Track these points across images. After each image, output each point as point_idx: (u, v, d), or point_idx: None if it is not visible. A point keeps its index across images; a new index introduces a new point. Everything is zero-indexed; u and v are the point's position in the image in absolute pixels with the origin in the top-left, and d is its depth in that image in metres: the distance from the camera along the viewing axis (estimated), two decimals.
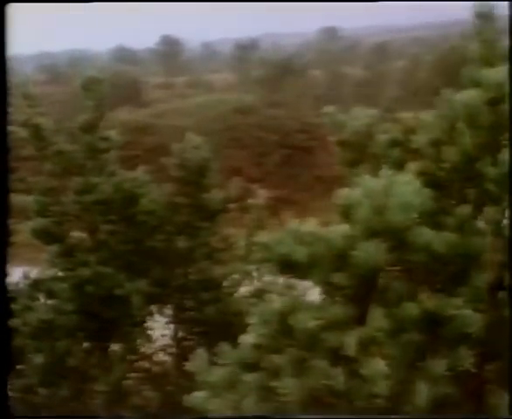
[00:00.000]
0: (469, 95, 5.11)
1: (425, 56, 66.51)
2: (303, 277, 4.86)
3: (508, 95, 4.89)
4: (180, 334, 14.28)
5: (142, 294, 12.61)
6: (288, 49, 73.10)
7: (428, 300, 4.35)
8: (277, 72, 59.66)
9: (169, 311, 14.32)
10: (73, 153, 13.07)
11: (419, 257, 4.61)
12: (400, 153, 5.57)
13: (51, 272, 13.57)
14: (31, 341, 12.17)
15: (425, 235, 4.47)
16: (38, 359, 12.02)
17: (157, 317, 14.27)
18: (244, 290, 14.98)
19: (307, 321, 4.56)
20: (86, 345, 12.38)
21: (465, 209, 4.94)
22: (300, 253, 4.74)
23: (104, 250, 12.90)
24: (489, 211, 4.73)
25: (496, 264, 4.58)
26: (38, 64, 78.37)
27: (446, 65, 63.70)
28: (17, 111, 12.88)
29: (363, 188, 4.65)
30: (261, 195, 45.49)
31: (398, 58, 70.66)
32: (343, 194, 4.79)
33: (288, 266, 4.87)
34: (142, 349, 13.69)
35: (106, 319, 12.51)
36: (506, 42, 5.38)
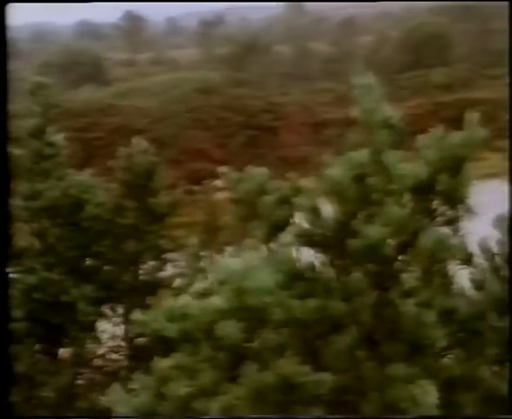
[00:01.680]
0: (336, 172, 5.37)
1: (391, 31, 66.74)
2: (176, 350, 5.12)
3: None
4: (131, 335, 14.48)
5: (89, 299, 12.77)
6: (254, 24, 72.92)
7: (286, 367, 4.60)
8: (242, 49, 59.55)
9: (119, 312, 14.51)
10: (21, 158, 13.13)
11: (279, 329, 4.87)
12: (286, 212, 5.79)
13: None
14: None
15: (279, 313, 4.73)
16: None
17: (108, 318, 14.46)
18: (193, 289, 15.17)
19: (179, 389, 4.85)
20: (34, 350, 12.51)
21: (330, 273, 5.22)
22: (171, 329, 5.04)
23: (51, 256, 13.02)
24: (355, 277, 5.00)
25: (358, 323, 4.84)
26: None
27: (413, 41, 64.08)
28: None
29: (223, 270, 4.89)
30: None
31: (365, 33, 70.74)
32: (219, 266, 5.05)
33: (162, 341, 5.15)
34: (92, 352, 13.87)
35: (53, 324, 12.67)
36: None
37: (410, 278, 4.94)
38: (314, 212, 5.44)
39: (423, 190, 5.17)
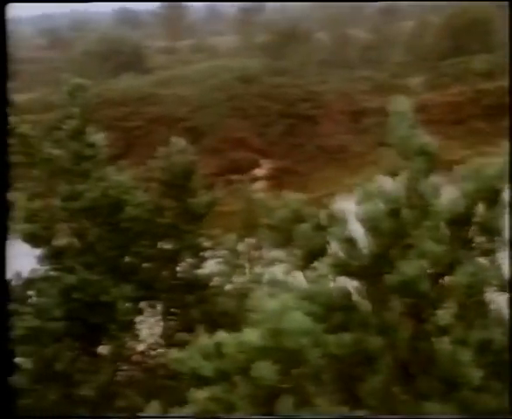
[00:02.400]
0: (371, 207, 5.32)
1: (432, 18, 65.78)
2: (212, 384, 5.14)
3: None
4: (169, 332, 14.59)
5: (128, 299, 12.90)
6: (294, 11, 72.48)
7: (322, 405, 4.61)
8: (281, 36, 59.32)
9: (157, 310, 14.63)
10: (60, 159, 13.28)
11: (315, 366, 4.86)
12: (322, 240, 5.75)
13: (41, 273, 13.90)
14: (20, 346, 12.50)
15: (315, 351, 4.69)
16: (27, 364, 12.36)
17: (147, 316, 14.60)
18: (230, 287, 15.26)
19: None
20: (73, 349, 12.68)
21: (366, 305, 5.18)
22: (207, 368, 5.06)
23: (91, 255, 13.17)
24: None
25: (394, 357, 4.80)
26: (38, 27, 77.97)
27: (455, 27, 63.11)
28: None
29: (260, 310, 4.89)
30: (264, 166, 45.68)
31: (406, 20, 69.91)
32: (255, 302, 5.04)
33: (198, 379, 5.18)
34: (131, 349, 14.02)
35: (93, 323, 12.83)
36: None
37: (445, 314, 4.91)
38: (350, 242, 5.43)
39: (460, 222, 5.12)
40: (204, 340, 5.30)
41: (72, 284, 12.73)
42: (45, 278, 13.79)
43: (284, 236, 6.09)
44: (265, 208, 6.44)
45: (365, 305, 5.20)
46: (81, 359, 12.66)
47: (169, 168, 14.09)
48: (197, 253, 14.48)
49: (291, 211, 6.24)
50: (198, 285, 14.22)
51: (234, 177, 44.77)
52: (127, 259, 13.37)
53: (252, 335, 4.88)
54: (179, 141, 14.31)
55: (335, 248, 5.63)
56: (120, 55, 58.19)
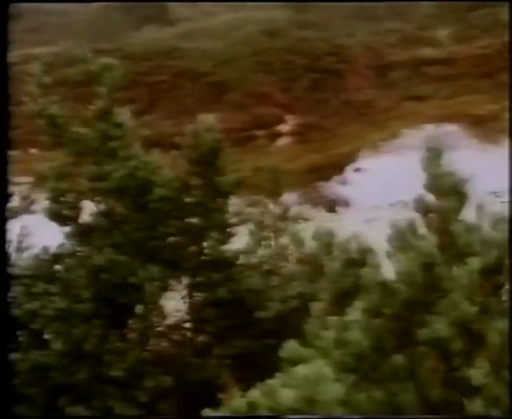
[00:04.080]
0: (403, 263, 5.22)
1: None
2: None
3: None
4: (195, 310, 14.69)
5: (156, 280, 12.99)
6: None
7: None
8: None
9: (184, 286, 14.71)
10: (88, 139, 13.29)
11: None
12: (354, 277, 5.67)
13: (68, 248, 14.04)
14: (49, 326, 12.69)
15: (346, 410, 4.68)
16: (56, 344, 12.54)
17: (173, 292, 14.69)
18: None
19: None
20: (102, 330, 12.83)
21: (399, 359, 5.13)
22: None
23: (118, 236, 13.24)
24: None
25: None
26: None
27: None
28: (32, 100, 13.07)
29: (293, 375, 4.84)
30: (289, 121, 45.43)
31: None
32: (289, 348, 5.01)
33: None
34: (158, 326, 14.16)
35: (120, 304, 12.97)
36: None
37: (478, 373, 4.87)
38: (383, 287, 5.37)
39: (492, 271, 5.05)
40: (237, 400, 5.27)
41: (100, 265, 12.84)
42: (73, 254, 13.94)
43: (315, 271, 6.05)
44: (296, 239, 6.39)
45: (397, 358, 5.17)
46: (110, 339, 12.80)
47: (197, 146, 14.03)
48: (224, 230, 14.47)
49: (322, 244, 6.19)
50: (225, 263, 14.26)
51: (259, 133, 44.61)
52: (154, 239, 13.41)
53: (287, 397, 4.86)
54: (206, 118, 14.21)
55: (367, 290, 5.57)
56: (142, 7, 57.68)
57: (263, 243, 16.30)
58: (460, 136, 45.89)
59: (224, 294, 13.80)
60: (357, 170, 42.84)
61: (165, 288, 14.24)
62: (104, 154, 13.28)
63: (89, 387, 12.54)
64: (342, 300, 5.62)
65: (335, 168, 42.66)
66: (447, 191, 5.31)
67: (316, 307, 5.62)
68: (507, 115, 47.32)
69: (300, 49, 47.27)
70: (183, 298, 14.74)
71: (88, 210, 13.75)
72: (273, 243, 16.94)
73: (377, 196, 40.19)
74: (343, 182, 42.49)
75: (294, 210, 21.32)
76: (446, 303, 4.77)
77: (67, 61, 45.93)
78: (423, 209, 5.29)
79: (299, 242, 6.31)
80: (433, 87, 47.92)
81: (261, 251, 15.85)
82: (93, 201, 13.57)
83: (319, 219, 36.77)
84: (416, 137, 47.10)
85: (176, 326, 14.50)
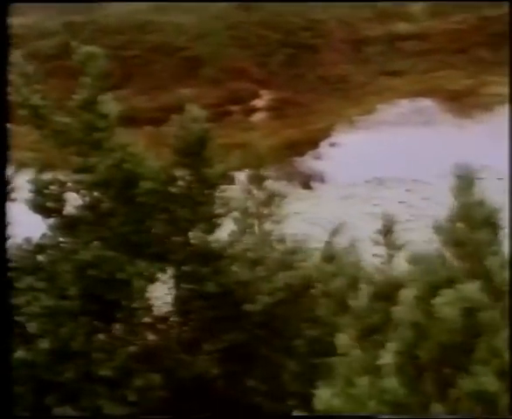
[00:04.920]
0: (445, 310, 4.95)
1: None
2: None
3: None
4: (182, 302, 14.45)
5: (144, 275, 12.72)
6: None
7: None
8: None
9: (170, 278, 14.45)
10: (72, 130, 12.90)
11: None
12: (383, 313, 5.42)
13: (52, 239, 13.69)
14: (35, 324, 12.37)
15: None
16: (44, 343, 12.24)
17: (160, 284, 14.43)
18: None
19: None
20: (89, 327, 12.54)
21: (439, 409, 4.93)
22: None
23: (104, 230, 12.93)
24: None
25: None
26: None
27: None
28: (15, 90, 12.62)
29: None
30: (264, 96, 45.05)
31: None
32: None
33: None
34: (146, 319, 13.91)
35: (108, 300, 12.68)
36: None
37: None
38: (417, 328, 5.09)
39: None
40: None
41: (87, 260, 12.52)
42: (57, 246, 13.60)
43: (340, 305, 5.79)
44: (321, 273, 6.14)
45: (436, 407, 4.95)
46: (97, 337, 12.53)
47: (184, 137, 13.70)
48: (211, 222, 14.21)
49: (348, 278, 5.93)
50: (212, 255, 14.01)
51: (234, 108, 44.20)
52: (141, 233, 13.10)
53: None
54: (193, 109, 13.87)
55: (399, 328, 5.31)
56: None
57: (247, 230, 16.08)
58: (435, 111, 45.91)
59: (212, 288, 13.57)
60: (333, 145, 42.67)
61: (152, 280, 13.97)
62: (89, 146, 12.90)
63: (77, 385, 12.26)
64: (369, 336, 5.38)
65: (311, 143, 42.46)
66: (480, 222, 5.06)
67: (342, 342, 5.35)
68: (482, 90, 47.36)
69: (276, 23, 46.83)
70: (169, 289, 14.50)
71: (73, 203, 13.39)
72: (257, 229, 16.72)
73: (352, 173, 40.07)
74: (319, 157, 42.32)
75: (277, 192, 21.04)
76: (487, 349, 4.55)
77: (39, 34, 45.08)
78: (453, 241, 5.03)
79: (324, 277, 6.07)
80: (409, 62, 47.79)
81: (246, 239, 15.63)
82: (77, 193, 13.19)
83: (294, 196, 36.61)
84: (391, 113, 47.01)
85: (163, 318, 14.25)
